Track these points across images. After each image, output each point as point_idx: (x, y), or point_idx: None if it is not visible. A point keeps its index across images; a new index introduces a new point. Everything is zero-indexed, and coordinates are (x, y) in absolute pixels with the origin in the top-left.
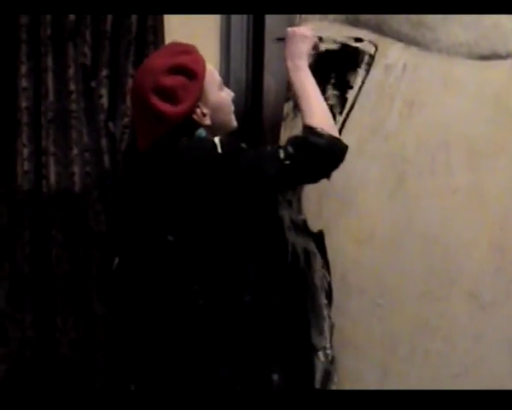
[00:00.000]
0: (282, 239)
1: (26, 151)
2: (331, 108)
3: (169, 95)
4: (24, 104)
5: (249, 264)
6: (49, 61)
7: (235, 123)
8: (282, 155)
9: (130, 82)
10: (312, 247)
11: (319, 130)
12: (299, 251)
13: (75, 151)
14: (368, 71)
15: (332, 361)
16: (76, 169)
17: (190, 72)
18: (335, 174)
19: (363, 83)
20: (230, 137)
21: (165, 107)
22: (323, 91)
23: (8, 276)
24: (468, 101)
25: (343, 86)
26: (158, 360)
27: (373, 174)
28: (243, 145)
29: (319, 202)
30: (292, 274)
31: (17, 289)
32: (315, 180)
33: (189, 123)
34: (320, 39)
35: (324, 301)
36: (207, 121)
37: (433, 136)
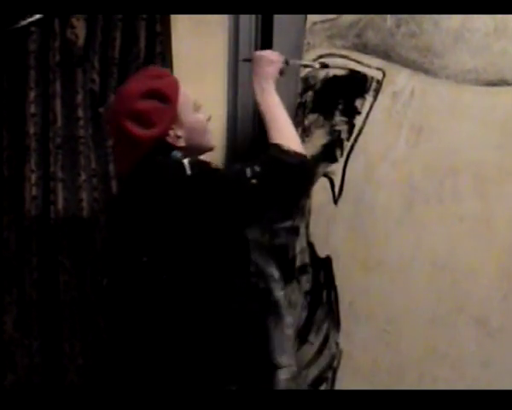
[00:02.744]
0: (247, 259)
1: (34, 177)
2: (339, 133)
3: (142, 119)
4: (32, 130)
5: (214, 283)
6: (58, 88)
7: (211, 144)
8: (248, 173)
9: None
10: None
11: (286, 147)
12: (262, 272)
13: (83, 177)
14: (375, 97)
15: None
16: (84, 195)
17: (163, 96)
18: (343, 200)
19: (370, 109)
20: (200, 158)
21: (139, 131)
22: (331, 117)
23: (15, 302)
24: (475, 127)
25: (351, 112)
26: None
27: (380, 201)
28: (214, 165)
29: (327, 228)
30: (254, 294)
31: (25, 315)
32: (283, 202)
33: (163, 146)
34: (326, 66)
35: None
36: (181, 143)
37: (441, 162)
